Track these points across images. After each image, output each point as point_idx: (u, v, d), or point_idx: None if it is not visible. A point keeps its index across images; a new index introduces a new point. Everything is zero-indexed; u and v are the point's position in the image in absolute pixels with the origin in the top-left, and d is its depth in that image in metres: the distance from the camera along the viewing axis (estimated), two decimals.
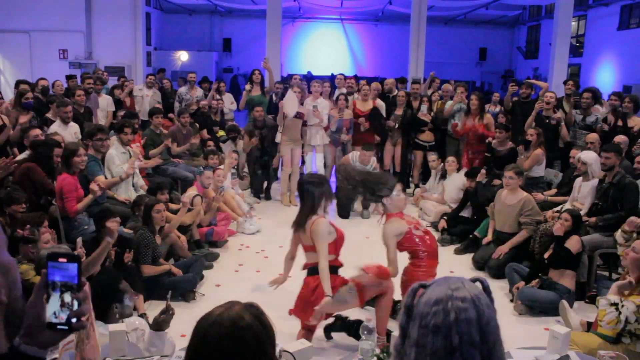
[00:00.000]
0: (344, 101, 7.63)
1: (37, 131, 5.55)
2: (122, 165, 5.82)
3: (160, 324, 2.77)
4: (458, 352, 1.18)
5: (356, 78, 10.17)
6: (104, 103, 8.43)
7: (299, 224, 3.67)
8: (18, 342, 1.03)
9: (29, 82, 8.16)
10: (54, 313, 1.05)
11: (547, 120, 7.02)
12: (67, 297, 1.05)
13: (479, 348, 1.19)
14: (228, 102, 10.15)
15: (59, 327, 1.05)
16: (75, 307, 1.05)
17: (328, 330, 3.98)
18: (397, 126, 7.85)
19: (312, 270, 3.67)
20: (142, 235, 4.61)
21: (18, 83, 7.77)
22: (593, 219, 5.09)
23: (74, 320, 1.04)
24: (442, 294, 1.22)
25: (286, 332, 3.75)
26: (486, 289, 1.28)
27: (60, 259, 1.06)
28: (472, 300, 1.21)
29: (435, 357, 1.19)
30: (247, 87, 8.40)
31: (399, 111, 7.85)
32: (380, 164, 7.59)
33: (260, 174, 7.95)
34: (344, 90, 8.25)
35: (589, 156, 5.62)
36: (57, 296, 1.05)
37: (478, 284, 1.28)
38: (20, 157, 5.27)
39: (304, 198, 3.69)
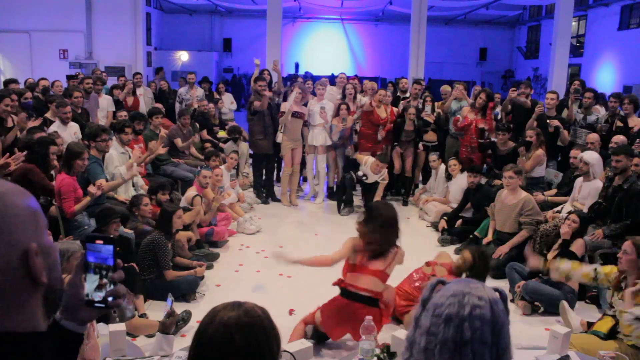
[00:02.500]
0: (345, 110, 7.47)
1: (42, 134, 5.47)
2: (120, 167, 5.81)
3: (167, 327, 2.93)
4: (469, 346, 1.17)
5: (357, 79, 10.14)
6: (104, 103, 8.43)
7: (381, 253, 3.62)
8: (59, 317, 1.09)
9: (17, 80, 8.10)
10: (92, 291, 1.11)
11: (548, 121, 7.03)
12: (104, 277, 1.11)
13: (489, 348, 1.18)
14: (228, 102, 10.17)
15: (96, 304, 1.11)
16: (111, 286, 1.11)
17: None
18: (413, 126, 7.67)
19: (369, 300, 3.59)
20: (159, 242, 4.51)
21: (6, 83, 7.68)
22: (599, 232, 4.98)
23: (110, 298, 1.11)
24: (461, 289, 1.24)
25: (286, 332, 3.74)
26: (504, 300, 1.28)
27: (97, 241, 1.11)
28: (489, 301, 1.21)
29: (444, 346, 1.19)
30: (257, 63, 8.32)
31: (403, 103, 7.84)
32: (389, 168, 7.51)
33: (264, 164, 7.77)
34: (346, 93, 8.17)
35: (592, 157, 5.60)
36: (94, 276, 1.11)
37: (497, 293, 1.28)
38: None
39: (387, 233, 3.61)
